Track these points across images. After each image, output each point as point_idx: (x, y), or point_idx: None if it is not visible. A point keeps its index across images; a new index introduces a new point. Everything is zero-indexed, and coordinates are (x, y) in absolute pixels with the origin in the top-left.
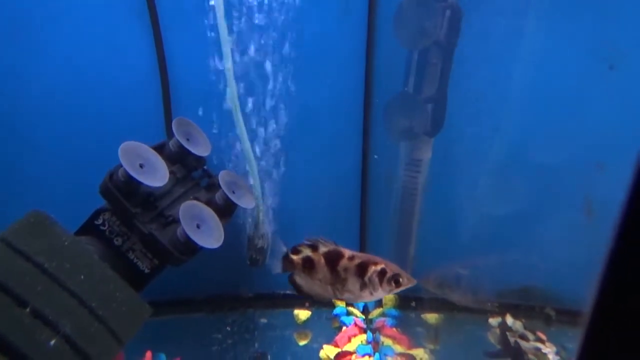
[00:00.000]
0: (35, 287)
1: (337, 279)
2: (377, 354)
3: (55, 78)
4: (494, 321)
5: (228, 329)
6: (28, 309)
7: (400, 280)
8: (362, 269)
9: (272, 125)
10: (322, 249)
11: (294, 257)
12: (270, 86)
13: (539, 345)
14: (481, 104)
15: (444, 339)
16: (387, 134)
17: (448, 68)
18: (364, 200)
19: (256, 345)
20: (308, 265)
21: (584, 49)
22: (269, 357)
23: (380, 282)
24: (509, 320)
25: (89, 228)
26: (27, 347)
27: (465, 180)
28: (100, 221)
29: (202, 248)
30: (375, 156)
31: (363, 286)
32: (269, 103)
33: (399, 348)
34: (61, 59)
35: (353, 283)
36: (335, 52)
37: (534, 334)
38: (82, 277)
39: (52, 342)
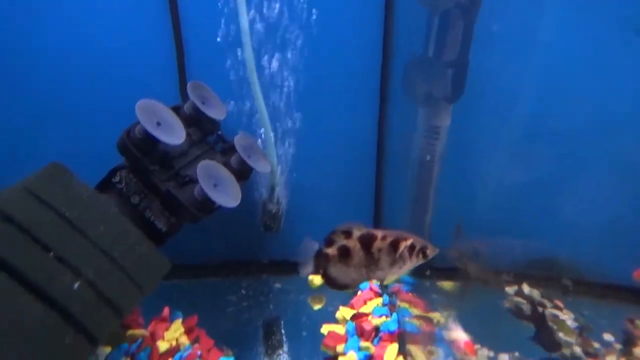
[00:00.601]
0: (57, 235)
1: (371, 260)
2: (394, 314)
3: (69, 44)
4: (510, 289)
5: (243, 292)
6: (51, 254)
7: (427, 251)
8: (394, 246)
9: (286, 92)
10: (357, 233)
11: (329, 250)
12: (284, 51)
13: (557, 312)
14: (504, 69)
15: (460, 305)
16: (405, 99)
17: (470, 32)
18: (380, 167)
19: (271, 307)
20: (344, 254)
21: (609, 14)
22: (282, 322)
23: (410, 255)
24: (526, 288)
25: (105, 186)
26: (51, 288)
27: (485, 148)
28: (117, 179)
29: (219, 207)
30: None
31: (393, 262)
32: (284, 68)
33: (415, 311)
34: (74, 25)
35: (385, 261)
36: (352, 14)
37: (551, 301)
38: (103, 228)
39: (76, 285)
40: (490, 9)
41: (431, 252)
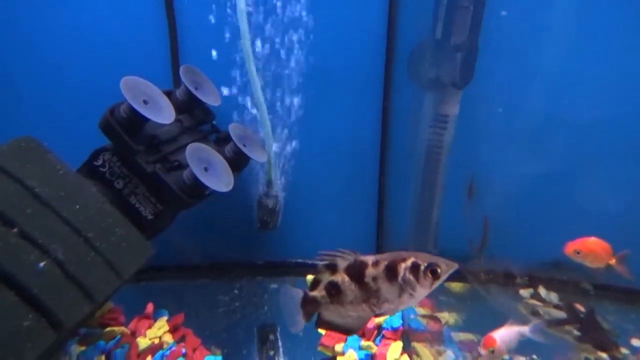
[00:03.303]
0: (24, 210)
1: (369, 292)
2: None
3: (62, 30)
4: (525, 292)
5: (236, 292)
6: (15, 229)
7: (438, 269)
8: (391, 270)
9: (286, 81)
10: (342, 265)
11: (315, 293)
12: (285, 37)
13: None
14: (516, 54)
15: (471, 307)
16: (411, 84)
17: (480, 13)
18: (383, 160)
19: (265, 308)
20: (334, 291)
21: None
22: (278, 328)
23: (417, 278)
24: (542, 291)
25: (87, 170)
26: (11, 266)
27: (495, 138)
28: (99, 162)
29: (210, 193)
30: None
31: (400, 290)
32: (284, 57)
33: (422, 310)
34: (68, 11)
35: (388, 290)
36: None
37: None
38: (78, 207)
39: (42, 264)
40: None
41: (445, 268)
